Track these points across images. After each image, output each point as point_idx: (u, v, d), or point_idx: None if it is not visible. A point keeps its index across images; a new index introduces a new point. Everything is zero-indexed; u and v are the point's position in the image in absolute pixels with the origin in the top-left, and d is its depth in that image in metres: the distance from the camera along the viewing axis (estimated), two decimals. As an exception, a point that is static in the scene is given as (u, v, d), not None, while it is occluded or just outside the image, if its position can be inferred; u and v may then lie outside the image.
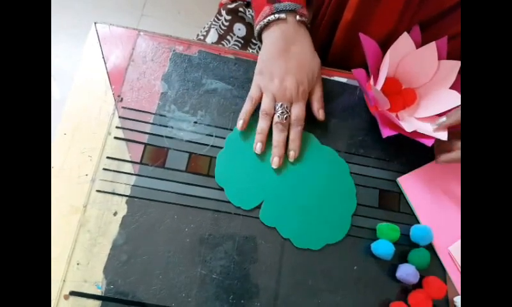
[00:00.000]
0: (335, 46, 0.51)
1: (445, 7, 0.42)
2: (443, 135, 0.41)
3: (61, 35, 1.27)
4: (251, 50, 0.59)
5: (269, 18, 0.44)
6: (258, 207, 0.42)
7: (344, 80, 0.49)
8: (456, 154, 0.42)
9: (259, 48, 0.58)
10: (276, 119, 0.42)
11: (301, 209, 0.42)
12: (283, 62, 0.43)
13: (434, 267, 0.42)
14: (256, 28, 0.45)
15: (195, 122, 0.44)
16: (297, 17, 0.44)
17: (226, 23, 0.58)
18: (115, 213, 0.40)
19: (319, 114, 0.44)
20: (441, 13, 0.43)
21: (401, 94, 0.47)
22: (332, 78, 0.49)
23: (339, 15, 0.47)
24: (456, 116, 0.41)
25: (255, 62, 0.48)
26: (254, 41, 0.58)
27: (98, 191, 0.40)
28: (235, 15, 0.58)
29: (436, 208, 0.44)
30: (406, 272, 0.39)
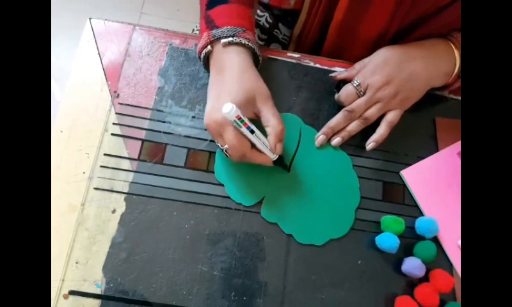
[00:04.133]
0: (327, 45, 0.50)
1: (438, 6, 0.41)
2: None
3: (61, 36, 1.27)
4: None
5: (205, 50, 0.41)
6: (260, 202, 0.41)
7: (344, 70, 0.48)
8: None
9: None
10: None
11: (303, 204, 0.41)
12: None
13: (440, 259, 0.41)
14: (201, 56, 0.42)
15: (193, 117, 0.44)
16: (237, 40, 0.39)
17: None
18: (114, 211, 0.39)
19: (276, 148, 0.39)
20: (434, 11, 0.42)
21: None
22: (333, 68, 0.48)
23: (330, 15, 0.46)
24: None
25: (253, 54, 0.47)
26: None
27: (96, 189, 0.40)
28: None
29: (440, 200, 0.43)
30: (412, 266, 0.38)
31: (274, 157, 0.39)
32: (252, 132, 0.37)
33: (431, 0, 0.41)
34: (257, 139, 0.38)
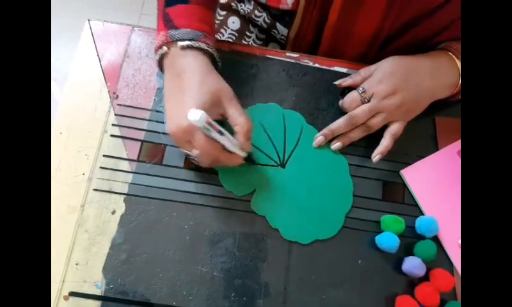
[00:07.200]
0: (323, 45, 0.50)
1: (430, 6, 0.42)
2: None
3: (61, 37, 1.27)
4: (245, 42, 0.58)
5: (160, 51, 0.39)
6: (252, 195, 0.41)
7: (344, 70, 0.48)
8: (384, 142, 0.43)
9: (253, 40, 0.57)
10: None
11: (294, 201, 0.41)
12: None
13: (440, 259, 0.40)
14: (156, 56, 0.40)
15: (192, 117, 0.43)
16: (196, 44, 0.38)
17: (220, 18, 0.58)
18: (113, 212, 0.39)
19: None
20: (426, 12, 0.42)
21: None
22: (332, 68, 0.48)
23: (325, 16, 0.46)
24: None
25: (250, 55, 0.47)
26: (248, 33, 0.58)
27: (95, 190, 0.40)
28: (229, 9, 0.57)
29: (440, 199, 0.43)
30: (412, 265, 0.38)
31: (244, 154, 0.39)
32: (222, 133, 0.36)
33: (422, 0, 0.41)
34: (227, 140, 0.37)
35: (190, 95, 0.36)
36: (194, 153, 0.36)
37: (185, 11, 0.40)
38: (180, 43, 0.38)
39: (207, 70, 0.38)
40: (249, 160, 0.41)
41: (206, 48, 0.38)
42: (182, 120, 0.36)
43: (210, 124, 0.35)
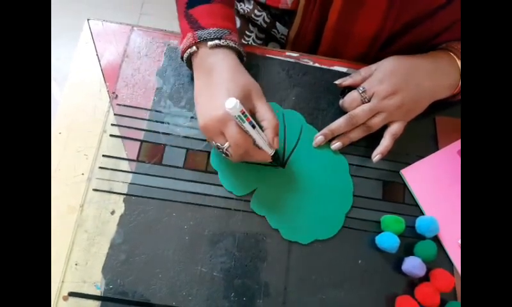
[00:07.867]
0: (323, 45, 0.50)
1: (431, 7, 0.42)
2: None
3: (61, 37, 1.27)
4: (245, 42, 0.58)
5: (189, 50, 0.40)
6: (252, 195, 0.41)
7: (344, 69, 0.48)
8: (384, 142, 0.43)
9: (253, 39, 0.57)
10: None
11: (294, 201, 0.41)
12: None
13: (440, 259, 0.40)
14: (184, 56, 0.41)
15: (192, 117, 0.43)
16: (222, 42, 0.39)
17: None
18: (113, 212, 0.39)
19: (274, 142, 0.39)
20: (427, 13, 0.42)
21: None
22: (332, 68, 0.47)
23: (324, 16, 0.46)
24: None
25: (250, 55, 0.47)
26: (248, 32, 0.57)
27: (94, 190, 0.40)
28: None
29: (441, 199, 0.43)
30: (412, 265, 0.38)
31: (272, 151, 0.39)
32: (254, 126, 0.37)
33: (423, 0, 0.41)
34: (258, 134, 0.37)
35: (222, 88, 0.37)
36: (226, 145, 0.37)
37: (209, 10, 0.41)
38: (210, 43, 0.39)
39: (235, 67, 0.40)
40: (276, 159, 0.41)
41: (233, 45, 0.40)
42: (215, 111, 0.36)
43: (244, 114, 0.35)
